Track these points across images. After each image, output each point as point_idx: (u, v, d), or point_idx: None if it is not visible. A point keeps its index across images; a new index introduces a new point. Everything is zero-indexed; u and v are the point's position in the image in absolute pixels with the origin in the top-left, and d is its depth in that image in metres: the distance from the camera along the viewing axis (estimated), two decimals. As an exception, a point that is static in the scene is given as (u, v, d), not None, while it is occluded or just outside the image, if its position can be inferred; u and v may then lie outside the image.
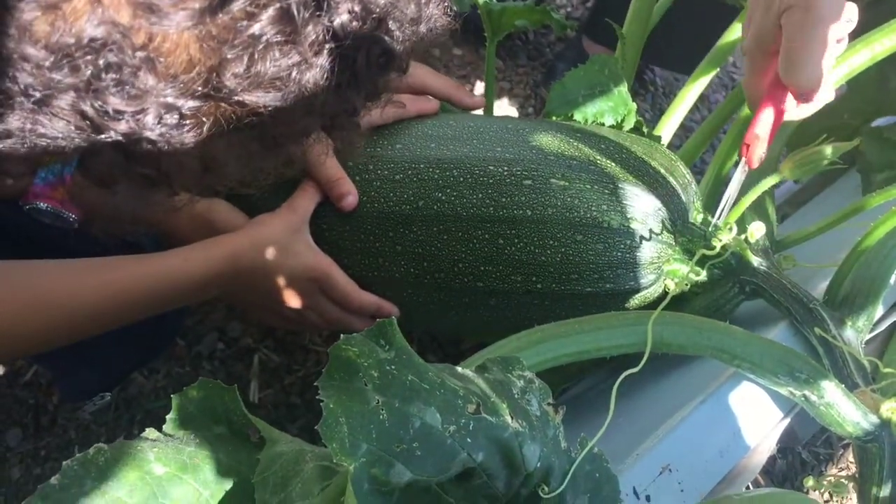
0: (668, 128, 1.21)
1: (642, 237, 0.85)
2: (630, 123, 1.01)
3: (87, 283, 0.79)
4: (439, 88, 1.03)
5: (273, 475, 0.55)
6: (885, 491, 0.76)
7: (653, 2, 1.11)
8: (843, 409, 0.73)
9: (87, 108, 0.43)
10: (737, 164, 0.85)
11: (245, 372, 1.45)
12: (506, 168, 0.88)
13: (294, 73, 0.47)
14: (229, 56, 0.44)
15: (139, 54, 0.42)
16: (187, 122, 0.46)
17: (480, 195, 0.88)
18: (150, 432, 0.54)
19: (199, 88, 0.45)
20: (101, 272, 0.80)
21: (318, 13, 0.45)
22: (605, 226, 0.85)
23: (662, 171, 0.90)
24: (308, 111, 0.50)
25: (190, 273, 0.83)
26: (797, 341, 0.82)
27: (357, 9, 0.47)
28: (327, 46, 0.47)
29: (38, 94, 0.42)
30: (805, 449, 1.30)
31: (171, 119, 0.46)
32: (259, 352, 1.47)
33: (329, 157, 0.87)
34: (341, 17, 0.46)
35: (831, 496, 1.20)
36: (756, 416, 0.77)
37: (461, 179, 0.89)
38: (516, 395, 0.60)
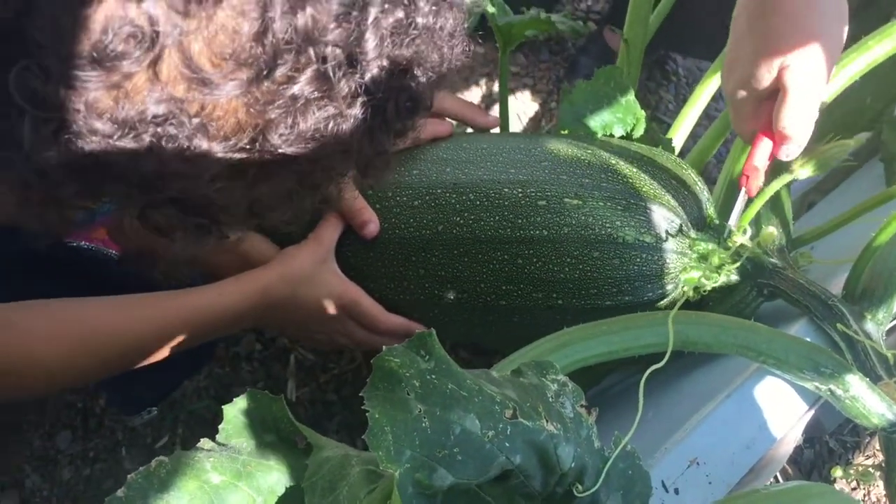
0: (684, 126, 1.23)
1: (657, 249, 0.88)
2: (640, 131, 1.03)
3: (133, 318, 0.83)
4: (455, 110, 1.06)
5: (321, 480, 0.58)
6: (910, 479, 0.78)
7: (648, 7, 1.12)
8: (868, 401, 0.75)
9: (147, 170, 0.47)
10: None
11: (282, 371, 1.49)
12: (520, 190, 0.91)
13: (331, 125, 0.50)
14: (273, 116, 0.48)
15: (194, 121, 0.46)
16: (236, 174, 0.50)
17: (497, 217, 0.91)
18: (206, 443, 0.57)
19: (247, 146, 0.49)
20: (144, 308, 0.84)
21: (351, 70, 0.49)
22: (620, 241, 0.88)
23: (673, 180, 0.92)
24: (345, 156, 0.54)
25: (225, 307, 0.87)
26: (818, 337, 0.83)
27: (386, 64, 0.50)
28: (360, 99, 0.51)
29: (103, 160, 0.46)
30: (832, 438, 1.31)
31: (223, 174, 0.50)
32: (295, 351, 1.50)
33: (351, 188, 0.91)
34: (372, 73, 0.50)
35: (858, 484, 1.21)
36: (781, 409, 0.79)
37: (478, 203, 0.92)
38: (550, 399, 0.63)
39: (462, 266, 0.93)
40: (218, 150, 0.48)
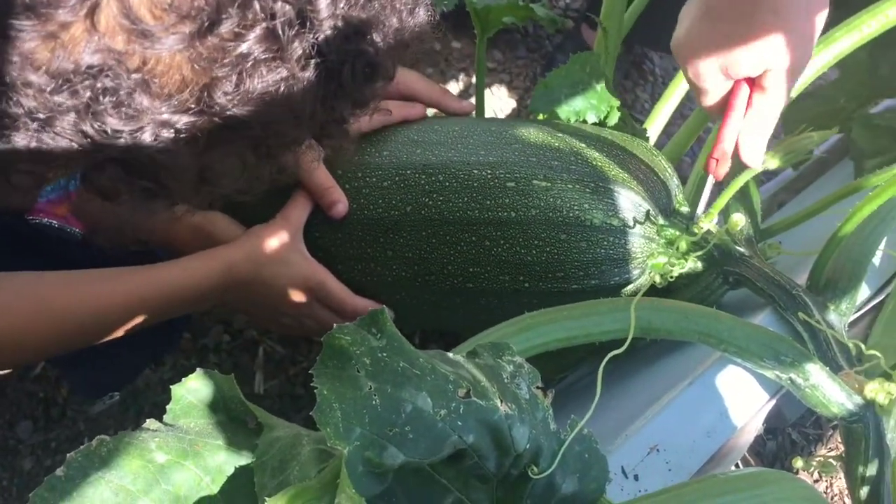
0: (658, 119, 1.22)
1: (625, 233, 0.88)
2: (613, 119, 1.02)
3: (92, 293, 0.82)
4: (427, 94, 1.05)
5: (271, 459, 0.57)
6: (871, 470, 0.78)
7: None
8: (828, 390, 0.75)
9: (87, 128, 0.45)
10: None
11: (250, 363, 1.48)
12: (489, 171, 0.90)
13: (282, 88, 0.49)
14: (219, 74, 0.47)
15: (134, 76, 0.45)
16: (182, 136, 0.49)
17: (466, 199, 0.90)
18: (151, 423, 0.56)
19: (193, 105, 0.47)
20: (105, 282, 0.83)
21: (302, 30, 0.47)
22: (587, 224, 0.87)
23: (643, 166, 0.92)
24: (298, 122, 0.53)
25: (188, 283, 0.86)
26: (781, 326, 0.84)
27: (340, 24, 0.49)
28: (313, 61, 0.49)
29: (41, 116, 0.44)
30: (794, 430, 1.32)
31: (167, 135, 0.48)
32: (264, 343, 1.49)
33: (319, 166, 0.90)
34: (325, 33, 0.48)
35: (820, 476, 1.22)
36: (742, 398, 0.79)
37: (447, 184, 0.91)
38: (506, 380, 0.62)
39: (430, 248, 0.92)
40: (160, 108, 0.47)
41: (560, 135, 0.94)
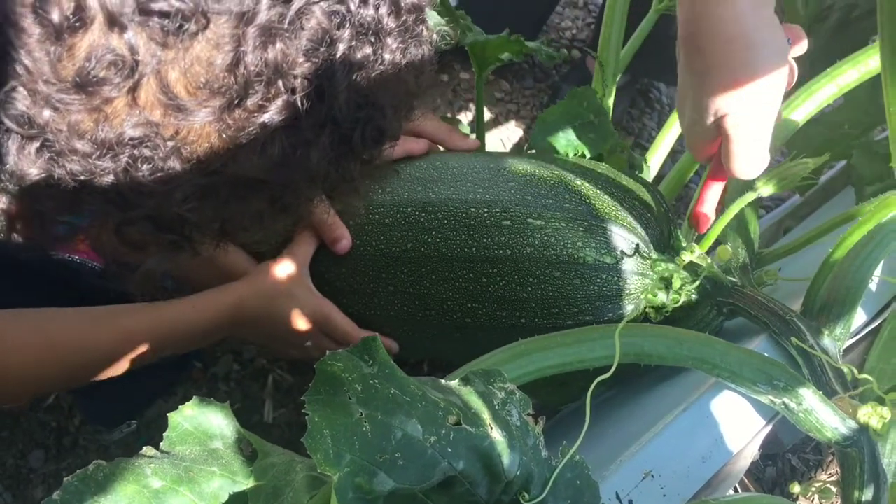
0: (662, 147, 1.23)
1: (618, 270, 0.89)
2: (612, 152, 1.04)
3: (101, 329, 0.85)
4: (433, 132, 1.07)
5: (265, 486, 0.58)
6: (867, 494, 0.78)
7: (622, 27, 1.14)
8: (822, 415, 0.75)
9: (123, 187, 0.49)
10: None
11: (260, 392, 1.49)
12: (486, 210, 0.92)
13: (299, 152, 0.53)
14: (243, 142, 0.51)
15: (169, 144, 0.49)
16: (209, 196, 0.53)
17: (463, 236, 0.92)
18: (148, 450, 0.57)
19: (219, 168, 0.52)
20: (115, 318, 0.86)
21: (319, 102, 0.51)
22: (580, 262, 0.89)
23: (638, 202, 0.93)
24: (312, 181, 0.57)
25: (198, 321, 0.89)
26: (777, 352, 0.84)
27: (353, 96, 0.53)
28: (327, 129, 0.53)
29: (82, 178, 0.48)
30: (794, 455, 1.31)
31: (195, 194, 0.53)
32: (273, 372, 1.50)
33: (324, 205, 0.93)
34: (339, 104, 0.52)
35: (821, 502, 1.21)
36: (738, 423, 0.79)
37: (445, 221, 0.93)
38: (497, 406, 0.63)
39: (430, 283, 0.94)
40: (190, 171, 0.51)
41: (556, 171, 0.96)
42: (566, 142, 1.03)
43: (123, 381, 0.93)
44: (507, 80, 2.06)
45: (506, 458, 0.60)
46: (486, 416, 0.61)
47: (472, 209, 0.93)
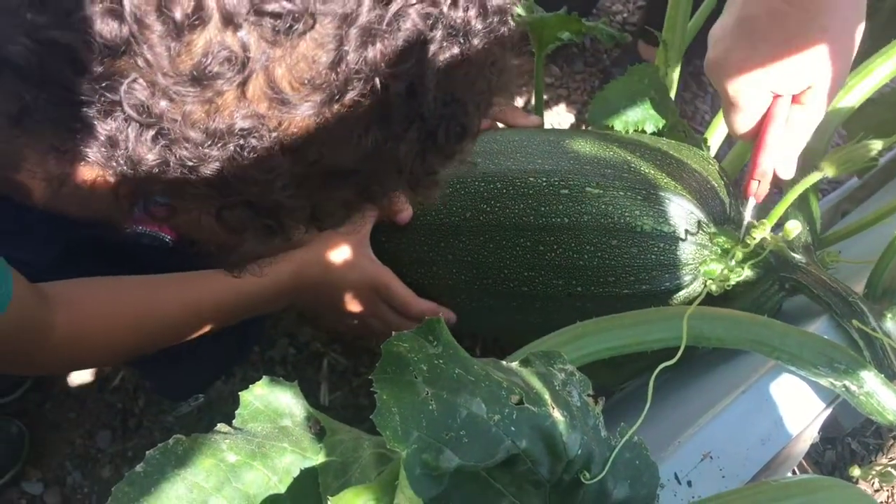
0: (720, 129, 1.23)
1: (675, 239, 0.89)
2: (672, 130, 1.03)
3: (170, 297, 0.89)
4: (497, 112, 1.09)
5: (334, 462, 0.60)
6: (931, 478, 0.77)
7: (688, 8, 1.13)
8: (883, 397, 0.75)
9: (228, 175, 0.53)
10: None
11: (315, 375, 1.52)
12: (544, 179, 0.93)
13: (389, 146, 0.56)
14: (340, 134, 0.54)
15: (272, 135, 0.52)
16: (306, 184, 0.56)
17: (522, 205, 0.93)
18: (222, 426, 0.59)
19: (315, 159, 0.55)
20: (183, 287, 0.90)
21: (409, 98, 0.54)
22: (637, 230, 0.89)
23: (696, 173, 0.93)
24: (399, 173, 0.59)
25: (262, 287, 0.92)
26: (838, 334, 0.83)
27: (440, 94, 0.56)
28: (416, 124, 0.56)
29: (191, 164, 0.52)
30: (854, 439, 1.30)
31: (294, 183, 0.55)
32: (328, 356, 1.53)
33: None
34: (427, 102, 0.55)
35: (881, 486, 1.19)
36: (797, 406, 0.79)
37: (504, 191, 0.94)
38: (557, 387, 0.64)
39: (487, 252, 0.96)
40: (290, 161, 0.54)
41: (614, 145, 0.96)
42: (625, 118, 1.03)
43: (192, 353, 0.98)
44: (558, 65, 2.05)
45: (567, 437, 0.61)
46: (547, 396, 0.62)
47: (531, 178, 0.94)
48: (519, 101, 1.98)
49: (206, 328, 0.92)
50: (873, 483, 1.19)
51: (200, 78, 0.48)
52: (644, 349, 0.76)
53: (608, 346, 0.75)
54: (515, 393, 0.60)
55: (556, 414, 0.61)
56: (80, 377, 1.46)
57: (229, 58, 0.48)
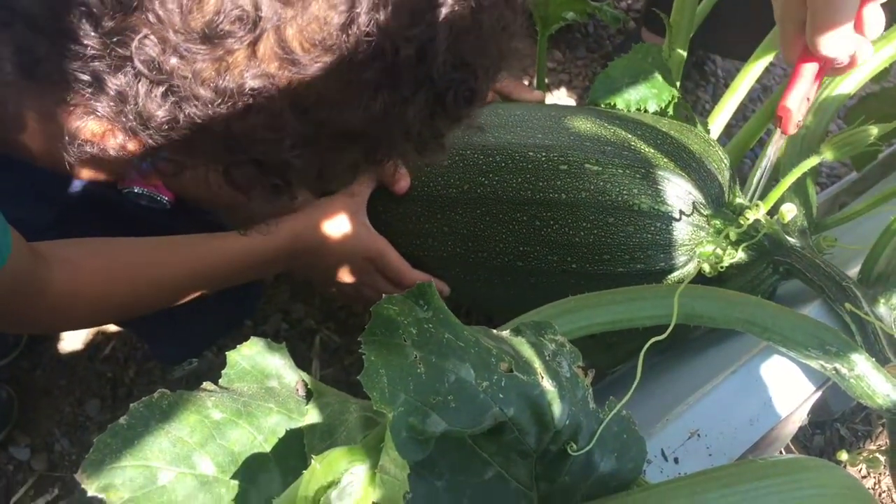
0: (721, 116, 1.22)
1: (672, 219, 0.88)
2: (675, 110, 1.03)
3: (167, 256, 0.89)
4: (501, 85, 1.09)
5: (320, 423, 0.60)
6: (918, 464, 0.77)
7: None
8: (874, 381, 0.75)
9: (237, 133, 0.53)
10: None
11: (307, 351, 1.52)
12: (544, 154, 0.93)
13: (397, 108, 0.56)
14: (349, 96, 0.54)
15: (282, 94, 0.52)
16: (314, 143, 0.56)
17: (520, 179, 0.93)
18: (208, 384, 0.59)
19: (325, 118, 0.55)
20: (181, 248, 0.90)
21: (419, 62, 0.54)
22: (635, 209, 0.89)
23: (697, 154, 0.92)
24: (407, 137, 0.60)
25: (257, 250, 0.92)
26: (830, 318, 0.83)
27: (450, 58, 0.56)
28: (424, 88, 0.56)
29: (200, 122, 0.52)
30: (843, 425, 1.30)
31: (303, 142, 0.56)
32: (321, 332, 1.53)
33: None
34: (437, 66, 0.55)
35: (868, 472, 1.20)
36: (787, 388, 0.79)
37: (503, 164, 0.94)
38: (547, 357, 0.63)
39: (484, 225, 0.96)
40: (299, 121, 0.54)
41: (616, 122, 0.96)
42: (628, 96, 1.03)
43: (186, 318, 0.99)
44: (560, 50, 2.04)
45: (555, 407, 0.60)
46: (537, 365, 0.62)
47: (531, 153, 0.94)
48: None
49: (204, 289, 0.92)
50: (860, 469, 1.19)
51: (211, 36, 0.48)
52: (636, 325, 0.76)
53: (600, 320, 0.75)
54: (505, 361, 0.60)
55: (545, 383, 0.61)
56: (71, 345, 1.46)
57: (241, 17, 0.48)
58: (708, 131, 1.10)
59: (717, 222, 0.89)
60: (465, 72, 0.58)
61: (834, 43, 0.72)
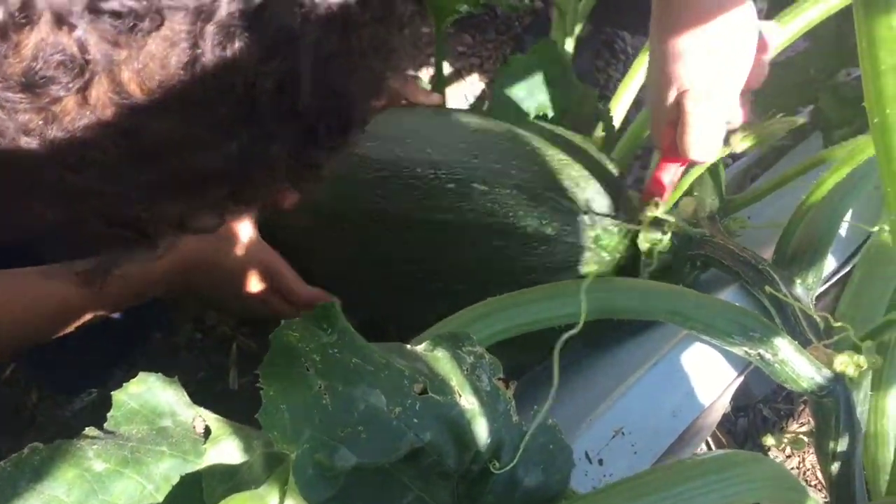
0: (626, 96, 1.22)
1: (559, 242, 0.87)
2: (579, 104, 1.01)
3: (48, 286, 0.82)
4: (396, 88, 1.04)
5: (220, 465, 0.55)
6: (842, 445, 0.77)
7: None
8: (797, 365, 0.74)
9: (69, 188, 0.47)
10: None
11: (224, 360, 1.46)
12: (432, 171, 0.90)
13: (258, 148, 0.50)
14: (201, 139, 0.48)
15: (121, 143, 0.46)
16: (164, 193, 0.50)
17: (408, 197, 0.91)
18: (91, 430, 0.53)
19: (175, 166, 0.49)
20: (49, 277, 0.83)
21: (281, 98, 0.49)
22: (521, 231, 0.87)
23: (587, 171, 0.91)
24: (273, 175, 0.54)
25: (141, 272, 0.87)
26: (748, 302, 0.83)
27: (319, 88, 0.50)
28: (290, 121, 0.51)
29: (32, 176, 0.47)
30: (766, 406, 1.32)
31: (149, 193, 0.50)
32: (237, 339, 1.47)
33: None
34: (303, 99, 0.49)
35: (793, 451, 1.22)
36: (708, 376, 0.78)
37: (392, 181, 0.91)
38: (466, 371, 0.60)
39: (373, 241, 0.93)
40: (144, 170, 0.49)
41: (510, 135, 0.93)
42: (528, 101, 1.00)
43: (77, 346, 0.92)
44: (469, 34, 2.01)
45: (475, 426, 0.58)
46: (454, 382, 0.58)
47: (419, 170, 0.91)
48: (430, 70, 1.93)
49: (85, 318, 0.85)
50: (785, 449, 1.21)
51: (32, 84, 0.42)
52: (557, 323, 0.74)
53: (518, 321, 0.72)
54: (419, 381, 0.57)
55: (464, 402, 0.58)
56: (-35, 369, 1.37)
57: (64, 61, 0.42)
58: (611, 122, 1.08)
59: (605, 241, 0.88)
60: (336, 100, 0.53)
61: (706, 152, 0.78)
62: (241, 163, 0.51)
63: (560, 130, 0.97)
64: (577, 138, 0.96)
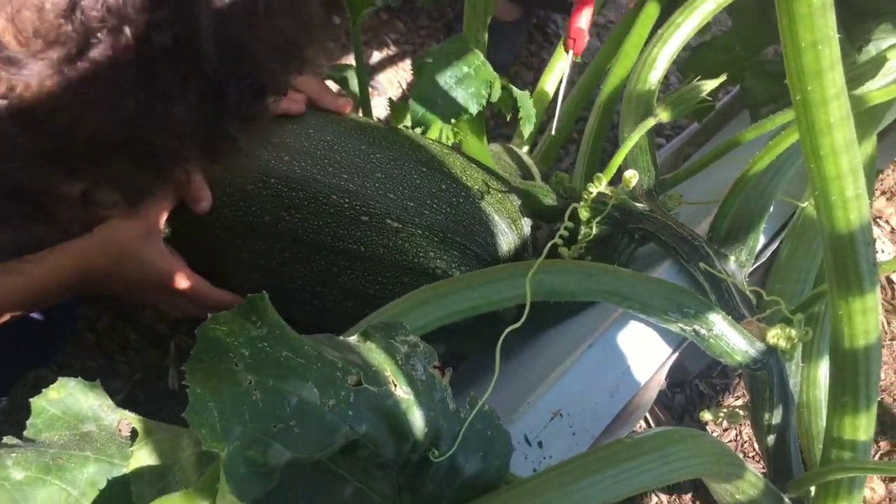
0: (550, 81, 1.29)
1: None
2: (497, 95, 0.99)
3: None
4: (306, 87, 1.00)
5: (149, 467, 0.53)
6: (777, 417, 0.78)
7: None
8: (732, 339, 0.75)
9: None
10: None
11: (162, 359, 1.42)
12: (347, 201, 0.90)
13: (160, 109, 0.47)
14: (91, 97, 0.45)
15: (2, 102, 0.43)
16: (58, 161, 0.48)
17: (321, 223, 0.90)
18: (9, 439, 0.51)
19: (66, 129, 0.46)
20: None
21: (179, 52, 0.46)
22: (429, 272, 0.89)
23: (496, 212, 0.93)
24: (178, 141, 0.51)
25: (39, 281, 0.83)
26: (683, 278, 0.83)
27: (226, 47, 0.47)
28: (193, 82, 0.48)
29: None
30: (702, 381, 1.33)
31: (41, 161, 0.47)
32: (175, 338, 1.43)
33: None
34: (205, 55, 0.47)
35: (730, 425, 1.24)
36: (644, 354, 0.79)
37: (306, 203, 0.91)
38: (400, 361, 0.59)
39: (282, 260, 0.93)
40: (30, 133, 0.45)
41: (423, 166, 0.93)
42: (445, 105, 0.97)
43: None
44: (402, 21, 1.99)
45: (411, 415, 0.57)
46: (388, 373, 0.57)
47: (334, 196, 0.90)
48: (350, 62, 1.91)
49: None
50: (722, 423, 1.23)
51: None
52: (494, 308, 0.73)
53: (455, 308, 0.71)
54: (353, 373, 0.55)
55: (399, 392, 0.57)
56: None
57: None
58: (530, 108, 1.06)
59: None
60: (246, 63, 0.50)
61: None
62: (142, 126, 0.48)
63: (475, 167, 0.98)
64: (493, 178, 0.98)
